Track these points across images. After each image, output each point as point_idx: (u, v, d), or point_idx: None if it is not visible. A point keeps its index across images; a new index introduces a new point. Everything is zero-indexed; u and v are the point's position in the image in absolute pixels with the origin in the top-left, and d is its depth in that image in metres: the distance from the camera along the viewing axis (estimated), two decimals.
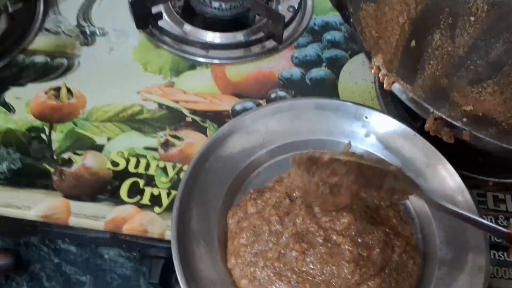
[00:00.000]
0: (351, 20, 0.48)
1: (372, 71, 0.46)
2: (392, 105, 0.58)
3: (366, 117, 0.53)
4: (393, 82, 0.44)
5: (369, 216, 0.46)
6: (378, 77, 0.46)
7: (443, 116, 0.41)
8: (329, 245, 0.43)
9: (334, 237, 0.43)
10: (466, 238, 0.46)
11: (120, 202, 0.50)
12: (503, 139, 0.42)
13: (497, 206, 0.53)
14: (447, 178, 0.49)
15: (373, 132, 0.52)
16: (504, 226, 0.51)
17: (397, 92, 0.45)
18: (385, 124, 0.52)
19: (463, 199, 0.47)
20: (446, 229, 0.47)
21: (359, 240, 0.43)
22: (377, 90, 0.60)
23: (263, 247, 0.43)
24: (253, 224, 0.45)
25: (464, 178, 0.48)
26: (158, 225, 0.49)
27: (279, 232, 0.44)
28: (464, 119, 0.48)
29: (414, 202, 0.50)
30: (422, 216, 0.49)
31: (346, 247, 0.43)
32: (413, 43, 0.54)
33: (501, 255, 0.49)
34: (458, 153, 0.48)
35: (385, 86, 0.45)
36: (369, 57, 0.46)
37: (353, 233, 0.43)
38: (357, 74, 0.62)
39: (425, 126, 0.44)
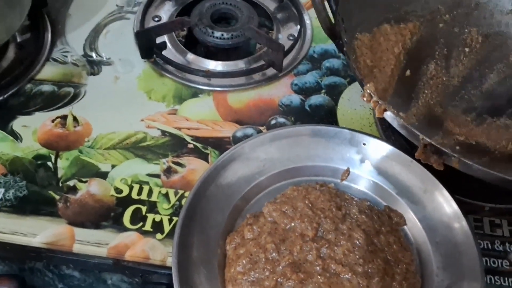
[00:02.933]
0: (344, 49, 0.49)
1: (364, 98, 0.47)
2: (389, 131, 0.59)
3: (364, 144, 0.54)
4: (385, 110, 0.45)
5: (369, 242, 0.47)
6: None
7: (432, 142, 0.42)
8: (328, 274, 0.44)
9: (333, 266, 0.44)
10: (462, 264, 0.46)
11: (123, 228, 0.52)
12: (495, 167, 0.42)
13: (493, 231, 0.53)
14: (443, 204, 0.50)
15: (371, 159, 0.53)
16: (501, 252, 0.52)
17: (389, 119, 0.46)
18: (382, 150, 0.53)
19: (459, 226, 0.48)
20: (443, 255, 0.48)
21: (359, 269, 0.44)
22: (375, 117, 0.61)
23: (260, 275, 0.44)
24: (250, 252, 0.46)
25: (460, 203, 0.49)
26: (160, 252, 0.50)
27: (276, 260, 0.45)
28: (457, 147, 0.49)
29: (411, 228, 0.50)
30: (420, 242, 0.50)
31: (346, 276, 0.44)
32: (408, 72, 0.55)
33: (497, 280, 0.50)
34: (454, 179, 0.48)
35: (376, 113, 0.46)
36: (361, 84, 0.48)
37: (353, 262, 0.44)
38: (355, 100, 0.63)
39: (415, 154, 0.45)
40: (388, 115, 0.46)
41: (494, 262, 0.51)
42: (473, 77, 0.58)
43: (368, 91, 0.46)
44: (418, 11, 0.60)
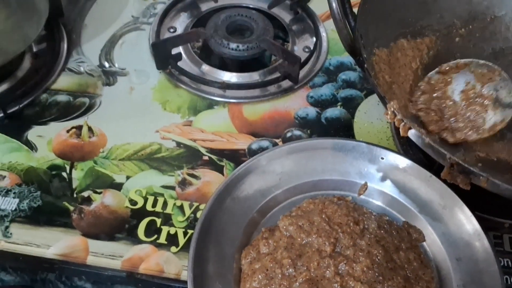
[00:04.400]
0: (365, 65, 0.49)
1: (388, 116, 0.46)
2: (407, 145, 0.59)
3: (382, 158, 0.53)
4: (409, 128, 0.45)
5: (388, 259, 0.46)
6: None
7: (460, 162, 0.42)
8: None
9: (352, 284, 0.43)
10: (483, 282, 0.45)
11: (137, 241, 0.51)
12: None
13: None
14: (463, 221, 0.49)
15: (389, 173, 0.53)
16: None
17: (413, 138, 0.45)
18: (400, 165, 0.52)
19: (479, 243, 0.47)
20: (463, 272, 0.47)
21: (378, 287, 0.43)
22: (393, 130, 0.61)
23: None
24: (266, 267, 0.45)
25: (480, 220, 0.48)
26: (174, 265, 0.50)
27: (292, 276, 0.44)
28: (480, 164, 0.48)
29: (430, 244, 0.50)
30: (439, 259, 0.49)
31: None
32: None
33: None
34: (474, 195, 0.48)
35: (401, 133, 0.45)
36: (384, 102, 0.47)
37: (372, 279, 0.43)
38: (372, 113, 0.63)
39: (441, 174, 0.44)
40: (413, 134, 0.45)
41: None
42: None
43: (392, 109, 0.46)
44: (434, 25, 0.60)
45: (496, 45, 0.61)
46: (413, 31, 0.58)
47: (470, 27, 0.61)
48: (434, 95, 0.53)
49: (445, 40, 0.60)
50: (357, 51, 0.50)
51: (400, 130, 0.45)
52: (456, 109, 0.52)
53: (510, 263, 0.51)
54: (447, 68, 0.54)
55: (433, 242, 0.49)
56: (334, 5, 0.47)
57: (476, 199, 0.49)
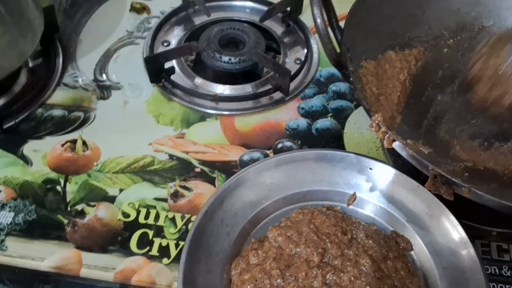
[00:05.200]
0: (351, 79, 0.50)
1: (373, 129, 0.47)
2: (396, 156, 0.59)
3: (371, 168, 0.54)
4: (393, 140, 0.46)
5: (375, 268, 0.47)
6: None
7: (442, 173, 0.42)
8: None
9: None
10: None
11: (129, 253, 0.52)
12: (503, 194, 0.42)
13: (501, 256, 0.53)
14: (450, 230, 0.49)
15: (377, 183, 0.53)
16: (509, 277, 0.51)
17: (398, 149, 0.46)
18: (389, 175, 0.53)
19: (466, 251, 0.48)
20: (449, 281, 0.47)
21: None
22: (382, 141, 0.61)
23: None
24: (255, 278, 0.46)
25: (467, 228, 0.49)
26: (166, 277, 0.50)
27: (281, 287, 0.45)
28: (466, 174, 0.49)
29: (418, 253, 0.50)
30: (426, 268, 0.49)
31: None
32: (414, 99, 0.56)
33: None
34: (461, 203, 0.48)
35: (385, 145, 0.46)
36: (369, 114, 0.48)
37: None
38: (362, 124, 0.64)
39: (425, 185, 0.45)
40: (397, 145, 0.46)
41: None
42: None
43: (376, 121, 0.46)
44: (422, 36, 0.60)
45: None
46: (401, 43, 0.59)
47: (459, 37, 0.62)
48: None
49: (433, 51, 0.61)
50: (343, 64, 0.51)
51: (384, 142, 0.46)
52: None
53: (497, 270, 0.52)
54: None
55: (420, 251, 0.50)
56: (318, 20, 0.48)
57: (464, 208, 0.49)
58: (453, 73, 0.59)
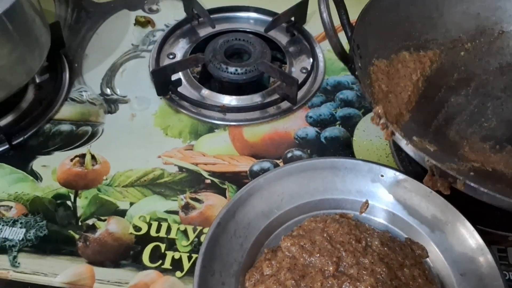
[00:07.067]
0: (356, 73, 0.50)
1: (373, 121, 0.47)
2: (407, 162, 0.59)
3: (382, 175, 0.53)
4: (392, 133, 0.45)
5: (392, 276, 0.46)
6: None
7: (437, 164, 0.42)
8: None
9: None
10: None
11: (142, 267, 0.52)
12: (510, 194, 0.42)
13: None
14: (466, 236, 0.49)
15: (390, 190, 0.53)
16: None
17: (397, 141, 0.46)
18: (400, 181, 0.53)
19: (483, 257, 0.47)
20: None
21: None
22: (392, 147, 0.61)
23: None
24: None
25: (483, 233, 0.48)
26: None
27: None
28: (471, 173, 0.48)
29: (434, 260, 0.50)
30: (443, 275, 0.49)
31: None
32: (426, 99, 0.55)
33: None
34: (476, 209, 0.48)
35: (384, 136, 0.46)
36: (371, 107, 0.48)
37: None
38: (371, 131, 0.63)
39: (423, 181, 0.45)
40: (397, 138, 0.46)
41: None
42: (494, 105, 0.58)
43: (377, 112, 0.46)
44: (439, 39, 0.60)
45: (502, 60, 0.62)
46: (416, 44, 0.59)
47: (477, 41, 0.62)
48: None
49: (449, 54, 0.60)
50: (348, 59, 0.51)
51: (384, 134, 0.46)
52: None
53: None
54: None
55: (436, 258, 0.50)
56: (324, 15, 0.49)
57: (478, 213, 0.49)
58: (469, 76, 0.59)
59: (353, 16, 0.54)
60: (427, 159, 0.43)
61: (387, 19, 0.56)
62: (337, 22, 0.53)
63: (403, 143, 0.44)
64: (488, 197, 0.41)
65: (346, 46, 0.54)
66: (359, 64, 0.50)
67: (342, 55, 0.52)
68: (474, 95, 0.59)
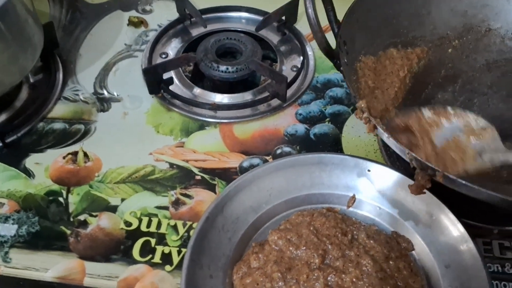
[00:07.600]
0: (341, 68, 0.50)
1: (357, 116, 0.48)
2: (394, 157, 0.60)
3: (369, 170, 0.54)
4: (375, 127, 0.46)
5: (377, 268, 0.47)
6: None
7: (417, 157, 0.43)
8: None
9: None
10: None
11: (132, 261, 0.52)
12: (487, 185, 0.42)
13: (503, 254, 0.53)
14: (449, 227, 0.49)
15: (376, 185, 0.54)
16: (510, 275, 0.51)
17: (380, 135, 0.47)
18: (387, 176, 0.53)
19: (467, 248, 0.48)
20: (452, 280, 0.47)
21: None
22: (380, 143, 0.62)
23: None
24: (256, 281, 0.46)
25: (469, 227, 0.49)
26: (169, 284, 0.51)
27: None
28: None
29: (419, 253, 0.50)
30: (428, 267, 0.49)
31: None
32: (413, 95, 0.56)
33: None
34: (461, 203, 0.49)
35: (367, 130, 0.46)
36: (355, 101, 0.48)
37: None
38: (359, 128, 0.64)
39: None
40: (379, 131, 0.46)
41: (504, 286, 0.51)
42: (480, 101, 0.59)
43: (360, 107, 0.47)
44: (427, 36, 0.61)
45: (489, 57, 0.62)
46: (404, 41, 0.59)
47: (464, 39, 0.62)
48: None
49: (437, 51, 0.61)
50: (334, 54, 0.52)
51: (366, 128, 0.46)
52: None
53: (500, 268, 0.52)
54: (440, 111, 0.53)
55: (421, 251, 0.50)
56: (310, 10, 0.50)
57: (464, 207, 0.50)
58: (457, 73, 0.59)
59: (341, 15, 0.54)
60: (407, 151, 0.43)
61: (375, 16, 0.57)
62: (325, 22, 0.54)
63: (385, 137, 0.45)
64: (467, 188, 0.41)
65: (333, 43, 0.55)
66: (345, 60, 0.51)
67: (327, 50, 0.53)
68: (460, 91, 0.59)
